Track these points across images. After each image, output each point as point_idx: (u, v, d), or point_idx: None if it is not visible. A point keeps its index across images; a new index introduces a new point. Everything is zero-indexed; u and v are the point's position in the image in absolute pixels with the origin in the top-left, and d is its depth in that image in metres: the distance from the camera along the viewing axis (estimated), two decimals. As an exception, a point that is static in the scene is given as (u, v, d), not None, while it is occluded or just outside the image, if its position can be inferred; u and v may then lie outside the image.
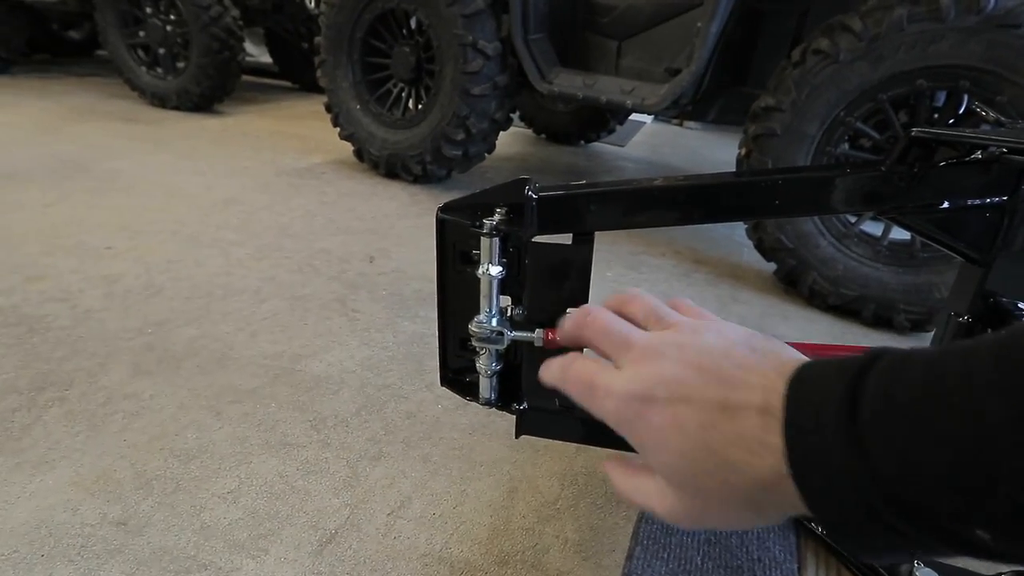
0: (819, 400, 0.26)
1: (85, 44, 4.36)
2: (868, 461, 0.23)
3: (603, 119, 3.19)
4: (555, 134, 3.32)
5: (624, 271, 1.70)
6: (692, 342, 0.32)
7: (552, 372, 0.39)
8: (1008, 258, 0.54)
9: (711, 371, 0.30)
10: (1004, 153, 0.44)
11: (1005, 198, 0.51)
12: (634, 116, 3.80)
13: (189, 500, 0.78)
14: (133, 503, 0.77)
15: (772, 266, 1.69)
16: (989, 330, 0.54)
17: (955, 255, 0.55)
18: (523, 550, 0.75)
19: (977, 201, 0.51)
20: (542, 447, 0.93)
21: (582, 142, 3.34)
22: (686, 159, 3.44)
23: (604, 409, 0.33)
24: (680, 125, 4.41)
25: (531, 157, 2.99)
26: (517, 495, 0.84)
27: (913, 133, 0.48)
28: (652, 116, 4.28)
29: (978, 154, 0.49)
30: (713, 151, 3.67)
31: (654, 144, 3.72)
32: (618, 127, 3.39)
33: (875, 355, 0.26)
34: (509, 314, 0.58)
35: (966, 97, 1.38)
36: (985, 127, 1.32)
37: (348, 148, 2.40)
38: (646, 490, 0.33)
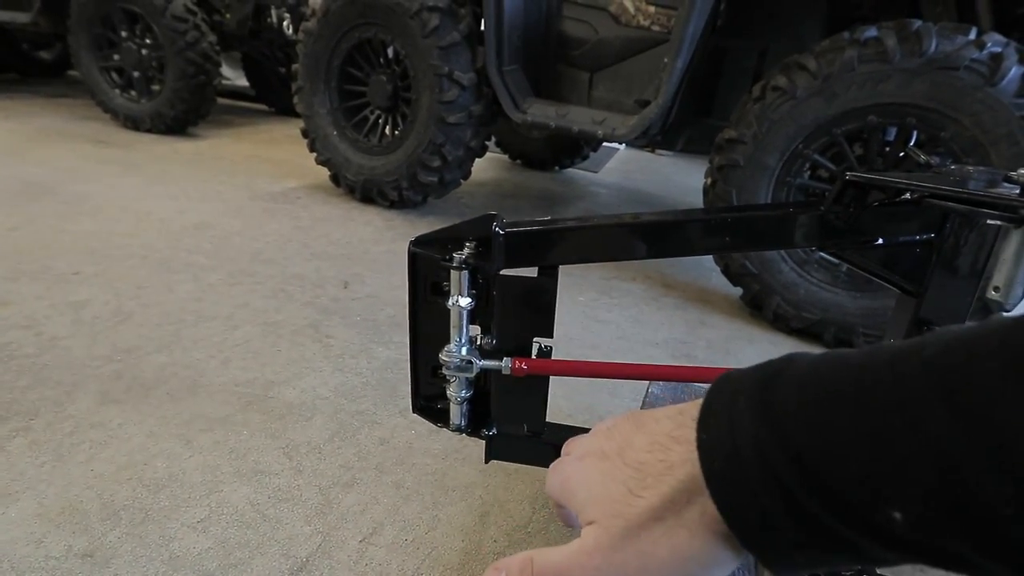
0: (735, 383, 0.26)
1: (55, 64, 4.32)
2: (776, 430, 0.23)
3: (577, 146, 3.27)
4: (530, 160, 3.39)
5: (596, 295, 1.74)
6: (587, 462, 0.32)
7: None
8: (939, 289, 0.58)
9: (626, 427, 0.31)
10: (926, 197, 0.49)
11: (933, 235, 0.56)
12: (607, 143, 3.91)
13: (158, 530, 0.77)
14: (100, 534, 0.76)
15: (739, 290, 1.74)
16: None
17: (892, 287, 0.60)
18: (494, 575, 0.76)
19: (908, 238, 0.56)
20: (514, 471, 0.94)
21: (556, 168, 3.41)
22: (658, 185, 3.54)
23: (558, 505, 0.35)
24: (652, 152, 4.54)
25: (506, 182, 3.05)
26: (489, 519, 0.85)
27: (848, 177, 0.52)
28: (624, 144, 4.41)
29: (907, 195, 0.54)
30: (684, 177, 3.78)
31: (627, 170, 3.82)
32: (592, 153, 3.48)
33: (788, 358, 0.26)
34: (479, 343, 0.61)
35: (914, 132, 1.47)
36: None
37: (324, 173, 2.41)
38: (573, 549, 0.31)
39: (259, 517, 0.81)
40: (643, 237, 0.54)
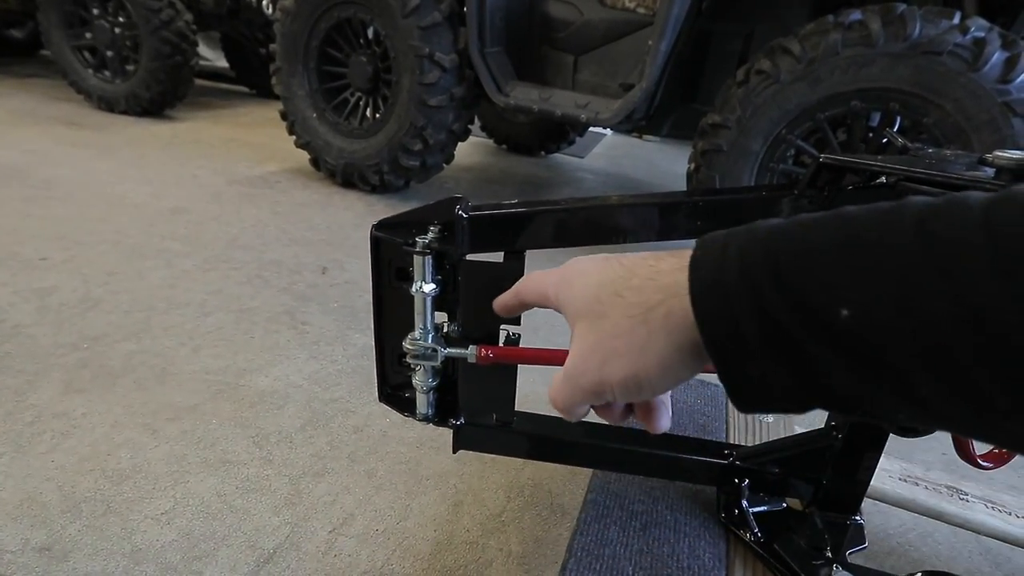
0: (723, 240, 0.28)
1: (27, 44, 4.18)
2: (761, 244, 0.25)
3: (563, 131, 3.24)
4: (516, 145, 3.35)
5: (578, 282, 1.73)
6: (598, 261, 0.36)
7: (507, 296, 0.45)
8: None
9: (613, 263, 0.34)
10: (901, 180, 0.47)
11: (908, 220, 0.55)
12: (594, 128, 3.88)
13: (120, 523, 0.75)
14: (59, 527, 0.74)
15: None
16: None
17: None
18: (466, 564, 0.75)
19: (883, 223, 0.55)
20: (489, 460, 0.93)
21: (542, 153, 3.38)
22: (644, 171, 3.52)
23: (547, 297, 0.39)
24: (639, 138, 4.51)
25: (491, 167, 3.01)
26: (462, 508, 0.84)
27: (821, 159, 0.51)
28: (611, 129, 4.37)
29: (882, 179, 0.52)
30: (670, 164, 3.76)
31: (613, 156, 3.79)
32: (578, 139, 3.44)
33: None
34: (445, 330, 0.59)
35: (898, 118, 1.46)
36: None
37: (304, 157, 2.37)
38: (565, 368, 0.35)
39: (226, 508, 0.79)
40: (611, 222, 0.52)
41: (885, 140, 1.47)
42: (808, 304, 0.24)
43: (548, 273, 0.39)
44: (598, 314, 0.32)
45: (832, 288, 0.23)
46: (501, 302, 0.46)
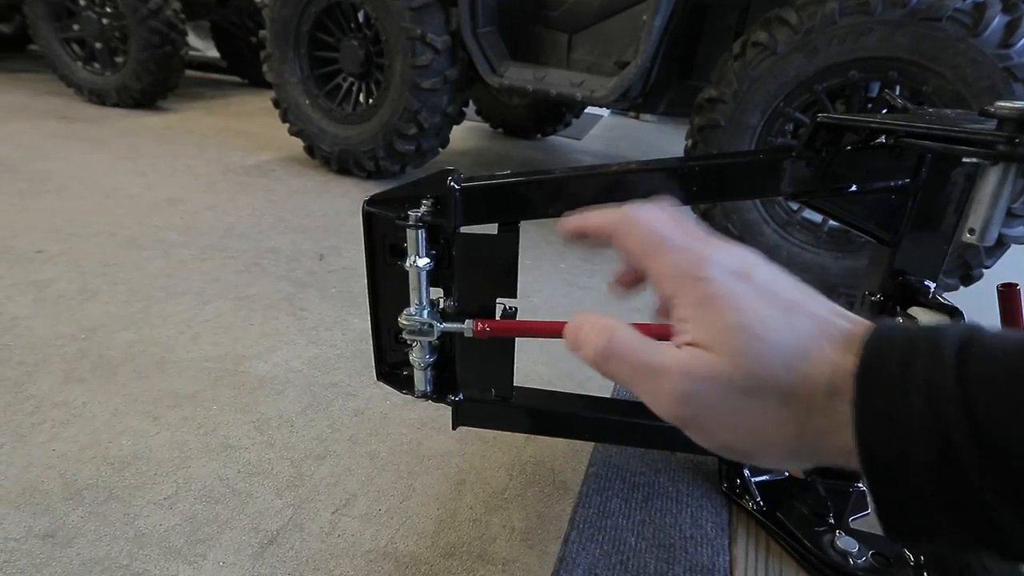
0: (919, 341, 0.22)
1: (16, 38, 4.13)
2: (962, 393, 0.20)
3: (559, 112, 3.21)
4: (512, 128, 3.32)
5: (578, 262, 1.72)
6: (749, 299, 0.26)
7: (593, 219, 0.33)
8: (914, 238, 0.57)
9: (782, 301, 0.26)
10: (902, 137, 0.46)
11: (908, 180, 0.54)
12: (591, 109, 3.84)
13: (122, 508, 0.75)
14: (62, 514, 0.74)
15: (720, 254, 1.73)
16: (899, 308, 0.57)
17: (866, 236, 0.58)
18: (469, 541, 0.75)
19: (883, 183, 0.54)
20: (491, 438, 0.93)
21: (539, 136, 3.35)
22: (642, 152, 3.49)
23: (651, 277, 0.30)
24: (637, 118, 4.47)
25: (487, 151, 2.99)
26: (465, 487, 0.84)
27: (820, 118, 0.50)
28: (609, 110, 4.33)
29: (882, 138, 0.51)
30: (668, 144, 3.73)
31: (611, 137, 3.76)
32: (575, 120, 3.41)
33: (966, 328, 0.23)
34: (441, 306, 0.58)
35: (897, 87, 1.44)
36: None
37: (299, 145, 2.35)
38: (671, 361, 0.27)
39: (228, 492, 0.79)
40: (606, 188, 0.51)
41: (885, 112, 1.45)
42: (1012, 466, 0.19)
43: (680, 249, 0.29)
44: (751, 370, 0.25)
45: None
46: (575, 223, 0.35)
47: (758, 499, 0.63)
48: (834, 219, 0.56)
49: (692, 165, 0.52)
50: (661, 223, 0.30)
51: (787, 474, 0.68)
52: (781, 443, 0.25)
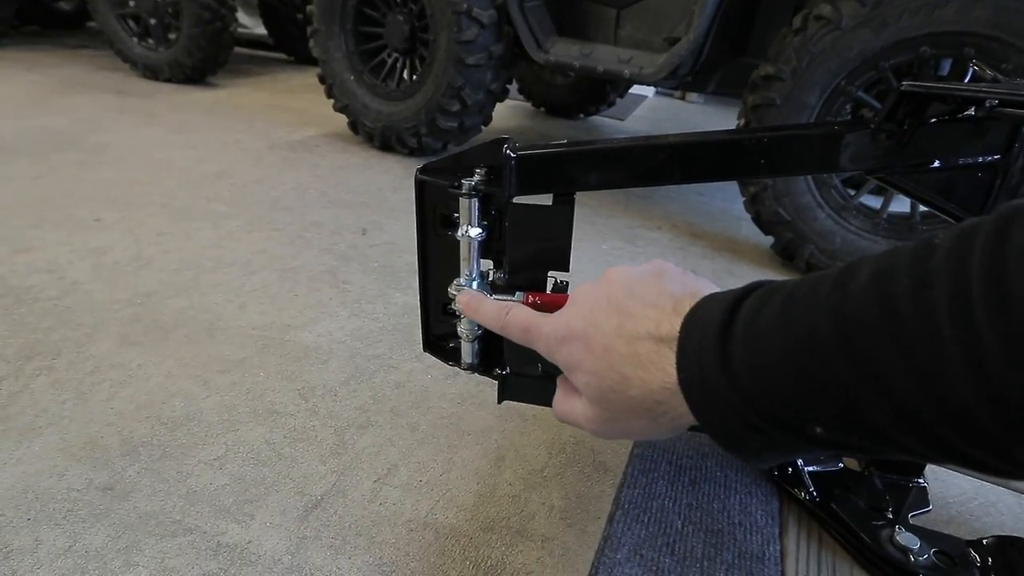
0: (703, 326, 0.32)
1: (75, 16, 4.28)
2: (734, 378, 0.29)
3: (603, 92, 3.14)
4: (554, 107, 3.27)
5: (620, 244, 1.69)
6: (603, 289, 0.40)
7: (490, 319, 0.49)
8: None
9: (615, 308, 0.37)
10: (997, 106, 0.42)
11: (998, 156, 0.50)
12: (635, 89, 3.74)
13: (175, 467, 0.78)
14: (119, 469, 0.77)
15: (769, 240, 1.67)
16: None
17: (946, 217, 0.54)
18: (508, 516, 0.75)
19: (969, 160, 0.50)
20: (531, 416, 0.93)
21: (581, 115, 3.29)
22: (686, 133, 3.39)
23: (537, 347, 0.44)
24: (682, 99, 4.34)
25: (529, 130, 2.95)
26: (504, 463, 0.84)
27: (904, 86, 0.46)
28: (653, 90, 4.21)
29: (971, 110, 0.47)
30: (717, 125, 3.61)
31: (655, 118, 3.67)
32: (618, 100, 3.33)
33: (754, 285, 0.32)
34: (491, 279, 0.58)
35: (971, 66, 1.34)
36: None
37: (342, 121, 2.36)
38: (574, 410, 0.42)
39: (275, 456, 0.81)
40: (667, 159, 0.49)
41: (968, 79, 1.35)
42: (787, 422, 0.28)
43: (540, 323, 0.43)
44: (609, 407, 0.37)
45: (801, 413, 0.27)
46: (475, 306, 0.50)
47: (811, 489, 0.61)
48: (911, 197, 0.53)
49: (760, 136, 0.49)
50: (524, 321, 0.46)
51: (841, 465, 0.66)
52: (651, 432, 0.38)
